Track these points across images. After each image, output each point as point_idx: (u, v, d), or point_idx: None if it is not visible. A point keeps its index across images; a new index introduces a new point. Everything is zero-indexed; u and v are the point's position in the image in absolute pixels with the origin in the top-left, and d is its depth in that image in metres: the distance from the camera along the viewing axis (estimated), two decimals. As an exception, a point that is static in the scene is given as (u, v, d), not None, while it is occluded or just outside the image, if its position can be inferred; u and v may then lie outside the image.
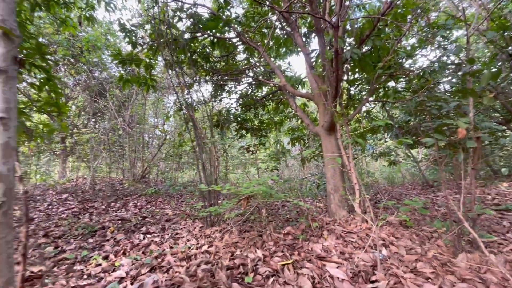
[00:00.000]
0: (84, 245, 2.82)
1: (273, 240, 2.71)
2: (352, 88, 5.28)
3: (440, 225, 2.64)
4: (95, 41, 5.94)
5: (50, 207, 4.70)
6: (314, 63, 4.30)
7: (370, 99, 4.13)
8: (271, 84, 4.93)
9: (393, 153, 6.44)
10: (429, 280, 1.88)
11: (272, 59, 5.50)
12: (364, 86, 5.14)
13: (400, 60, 4.22)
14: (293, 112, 5.71)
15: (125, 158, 7.24)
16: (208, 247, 2.65)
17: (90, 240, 2.98)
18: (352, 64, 3.86)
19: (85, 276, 2.10)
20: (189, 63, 4.57)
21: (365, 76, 4.46)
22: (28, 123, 5.52)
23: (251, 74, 5.64)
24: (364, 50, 3.92)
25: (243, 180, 6.54)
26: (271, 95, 5.71)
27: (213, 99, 5.90)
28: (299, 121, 6.22)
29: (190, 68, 4.85)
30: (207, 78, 5.60)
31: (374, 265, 2.13)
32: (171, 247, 2.72)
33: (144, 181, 7.11)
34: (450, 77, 3.91)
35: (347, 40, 4.00)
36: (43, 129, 5.34)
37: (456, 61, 3.85)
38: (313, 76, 3.93)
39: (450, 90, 4.33)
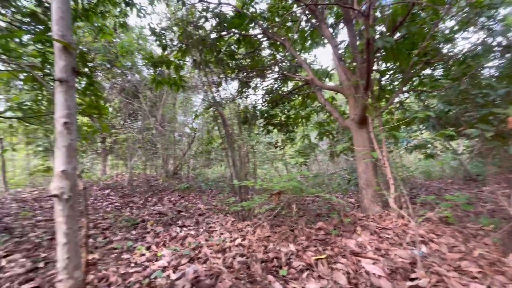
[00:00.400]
0: (128, 236, 3.07)
1: (305, 235, 2.73)
2: (383, 79, 5.03)
3: (487, 222, 2.46)
4: (128, 46, 6.31)
5: (96, 201, 5.15)
6: (342, 54, 4.17)
7: (404, 89, 3.91)
8: (298, 79, 4.87)
9: (430, 145, 6.04)
10: (476, 279, 1.77)
11: (298, 52, 5.42)
12: (397, 76, 4.87)
13: (438, 46, 3.93)
14: (320, 106, 5.60)
15: (158, 155, 7.66)
16: (242, 240, 2.74)
17: (133, 232, 3.23)
18: (384, 54, 3.68)
19: (132, 264, 2.29)
20: (216, 62, 4.67)
21: (398, 65, 4.22)
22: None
23: (276, 69, 5.62)
24: (396, 37, 3.72)
25: (271, 176, 6.58)
26: (297, 90, 5.65)
27: (239, 96, 5.98)
28: (327, 115, 6.09)
29: (217, 67, 4.96)
30: (233, 75, 5.68)
31: (413, 263, 2.06)
32: (206, 240, 2.85)
33: (176, 177, 7.48)
34: (496, 61, 3.57)
35: (378, 28, 3.82)
36: (87, 130, 5.83)
37: (504, 43, 3.50)
38: (341, 68, 3.82)
39: (497, 75, 3.94)
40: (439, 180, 6.66)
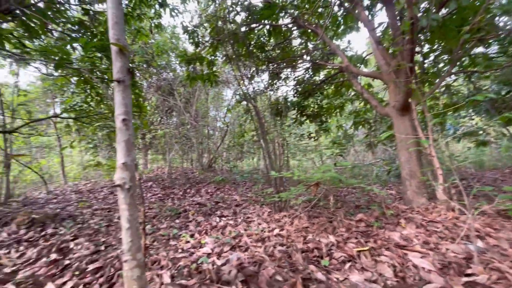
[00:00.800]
0: (173, 225, 3.29)
1: (345, 227, 2.68)
2: (425, 61, 4.64)
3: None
4: (163, 46, 6.62)
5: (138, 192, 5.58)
6: (380, 38, 3.91)
7: (453, 70, 3.56)
8: (331, 67, 4.70)
9: (482, 132, 5.45)
10: (546, 278, 1.60)
11: (330, 39, 5.21)
12: (442, 57, 4.44)
13: (493, 20, 3.50)
14: (355, 94, 5.35)
15: (193, 149, 8.01)
16: (280, 231, 2.78)
17: (177, 221, 3.46)
18: (429, 33, 3.38)
19: (179, 250, 2.47)
20: (248, 55, 4.69)
21: (445, 45, 3.84)
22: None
23: (307, 58, 5.48)
24: (443, 14, 3.38)
25: (304, 168, 6.51)
26: (330, 79, 5.46)
27: (269, 88, 5.96)
28: (362, 103, 5.81)
29: (248, 60, 4.98)
30: (263, 67, 5.67)
31: (468, 258, 1.91)
32: (245, 230, 2.94)
33: (211, 169, 7.77)
34: None
35: (421, 6, 3.50)
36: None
37: None
38: (380, 52, 3.59)
39: None
40: (493, 170, 6.01)
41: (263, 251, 2.22)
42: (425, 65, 4.70)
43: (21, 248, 2.57)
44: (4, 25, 3.12)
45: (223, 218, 3.49)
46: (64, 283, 1.94)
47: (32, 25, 3.06)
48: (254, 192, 4.95)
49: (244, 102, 6.10)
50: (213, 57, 5.17)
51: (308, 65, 5.43)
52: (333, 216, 2.92)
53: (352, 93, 5.84)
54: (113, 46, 1.30)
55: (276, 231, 2.78)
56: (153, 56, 6.79)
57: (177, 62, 8.45)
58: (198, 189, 5.69)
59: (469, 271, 1.75)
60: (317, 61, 4.77)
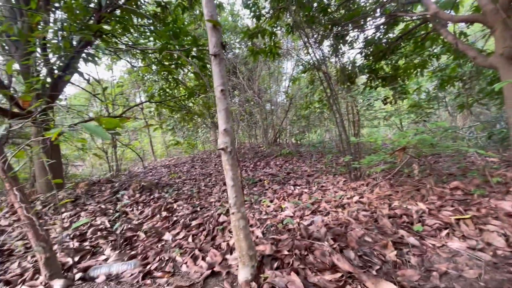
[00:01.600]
0: (252, 192, 3.59)
1: (436, 195, 2.45)
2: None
3: None
4: (224, 25, 6.80)
5: (216, 166, 6.19)
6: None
7: None
8: (411, 18, 4.05)
9: None
10: None
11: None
12: None
13: None
14: (444, 47, 4.53)
15: (258, 125, 8.30)
16: (359, 198, 2.74)
17: (255, 189, 3.75)
18: None
19: (263, 213, 2.70)
20: (312, 19, 4.44)
21: None
22: (190, 105, 7.22)
23: (378, 14, 4.83)
24: None
25: (377, 136, 6.02)
26: (408, 34, 4.72)
27: (334, 54, 5.55)
28: (452, 57, 4.89)
29: (312, 25, 4.71)
30: (326, 32, 5.28)
31: None
32: (322, 197, 3.00)
33: (276, 144, 7.97)
34: None
35: None
36: (201, 109, 6.83)
37: None
38: (483, -12, 2.90)
39: None
40: None
41: (347, 215, 2.24)
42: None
43: (139, 207, 3.24)
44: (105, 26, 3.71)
45: (297, 187, 3.61)
46: (177, 234, 2.39)
47: (125, 23, 3.55)
48: (324, 163, 4.91)
49: (308, 73, 5.89)
50: (274, 28, 5.07)
51: (381, 21, 4.80)
52: (420, 185, 2.69)
53: (435, 49, 4.96)
54: (208, 22, 1.42)
55: (356, 198, 2.75)
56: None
57: (237, 40, 8.61)
58: (267, 162, 5.95)
59: None
60: (394, 13, 4.17)
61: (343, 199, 2.80)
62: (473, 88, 4.24)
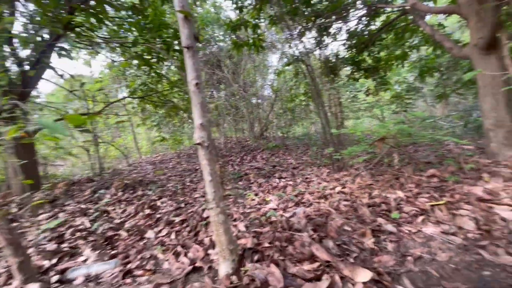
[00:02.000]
0: (237, 186, 3.59)
1: (414, 182, 2.53)
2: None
3: None
4: (206, 18, 6.64)
5: (203, 161, 6.13)
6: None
7: None
8: (391, 9, 4.11)
9: None
10: None
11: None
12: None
13: None
14: (422, 38, 4.63)
15: (244, 119, 8.26)
16: (342, 188, 2.79)
17: (240, 183, 3.75)
18: None
19: (247, 206, 2.71)
20: (295, 11, 4.40)
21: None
22: (175, 100, 7.07)
23: (360, 6, 4.86)
24: None
25: (357, 127, 6.14)
26: (388, 25, 4.79)
27: (318, 47, 5.57)
28: (430, 49, 5.02)
29: (295, 17, 4.68)
30: (309, 25, 5.27)
31: None
32: (306, 188, 3.03)
33: (263, 137, 7.97)
34: None
35: None
36: (185, 104, 6.69)
37: None
38: (458, -21, 2.97)
39: None
40: None
41: (328, 205, 2.28)
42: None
43: (122, 205, 3.17)
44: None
45: (282, 179, 3.64)
46: (160, 231, 2.36)
47: (100, 15, 3.39)
48: (309, 156, 4.96)
49: (292, 66, 5.89)
50: (257, 21, 5.00)
51: (362, 12, 4.84)
52: (399, 173, 2.77)
53: (415, 40, 5.06)
54: (179, 13, 1.37)
55: (338, 188, 2.80)
56: (199, 29, 6.91)
57: (221, 33, 8.44)
58: (253, 155, 5.96)
59: None
60: (374, 5, 4.21)
61: (325, 190, 2.84)
62: (451, 78, 4.38)
